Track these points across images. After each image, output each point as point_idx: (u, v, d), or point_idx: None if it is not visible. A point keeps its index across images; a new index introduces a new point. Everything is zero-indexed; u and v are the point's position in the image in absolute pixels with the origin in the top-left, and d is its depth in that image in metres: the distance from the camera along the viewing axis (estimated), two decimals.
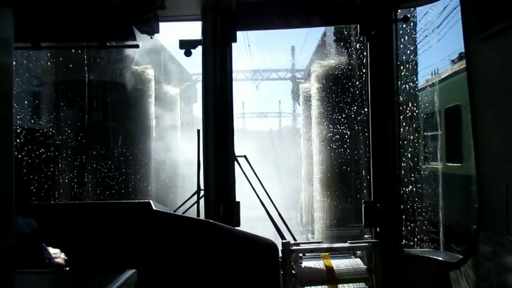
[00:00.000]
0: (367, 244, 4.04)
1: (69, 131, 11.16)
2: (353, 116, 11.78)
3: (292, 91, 30.61)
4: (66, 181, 10.86)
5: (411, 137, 12.02)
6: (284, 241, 3.84)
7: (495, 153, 2.99)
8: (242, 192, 4.29)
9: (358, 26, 4.27)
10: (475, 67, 3.16)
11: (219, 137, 4.21)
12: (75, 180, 11.09)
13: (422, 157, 13.00)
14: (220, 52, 4.23)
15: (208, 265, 3.59)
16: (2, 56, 1.54)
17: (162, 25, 4.19)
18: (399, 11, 4.15)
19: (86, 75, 11.19)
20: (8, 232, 1.52)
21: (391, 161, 4.07)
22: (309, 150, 14.34)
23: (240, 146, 4.42)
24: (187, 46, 4.27)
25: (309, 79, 14.79)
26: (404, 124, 11.66)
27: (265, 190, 4.30)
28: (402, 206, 4.26)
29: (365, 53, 4.31)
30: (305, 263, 3.89)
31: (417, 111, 12.36)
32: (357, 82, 11.37)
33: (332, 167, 12.14)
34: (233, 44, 4.33)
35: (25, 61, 10.25)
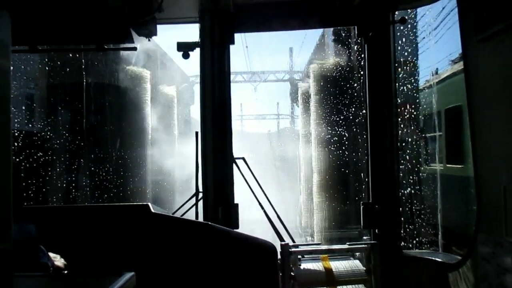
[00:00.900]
0: (366, 245, 4.04)
1: (60, 133, 10.89)
2: (353, 117, 11.63)
3: (290, 92, 30.60)
4: (56, 183, 10.63)
5: (410, 139, 11.91)
6: (283, 243, 3.84)
7: (493, 154, 2.99)
8: (239, 194, 4.29)
9: (356, 27, 4.28)
10: (472, 69, 3.17)
11: (217, 139, 4.21)
12: (66, 183, 10.88)
13: (422, 159, 12.89)
14: (218, 54, 4.23)
15: (207, 267, 3.58)
16: (0, 59, 1.54)
17: (160, 28, 4.19)
18: (396, 12, 4.17)
19: (78, 76, 10.96)
20: (6, 236, 1.51)
21: (389, 162, 4.07)
22: (308, 152, 14.15)
23: (238, 148, 4.42)
24: (185, 48, 4.26)
25: (308, 79, 14.46)
26: (403, 125, 11.57)
27: (263, 192, 4.30)
28: (401, 209, 4.26)
29: (363, 55, 4.31)
30: (304, 265, 3.88)
31: (415, 112, 12.24)
32: (357, 82, 11.25)
33: (332, 169, 12.02)
34: (231, 46, 4.33)
35: (17, 62, 10.06)
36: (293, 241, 4.11)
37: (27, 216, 2.75)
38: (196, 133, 4.26)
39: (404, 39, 11.71)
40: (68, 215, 3.83)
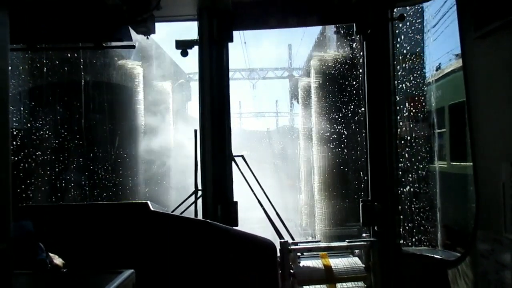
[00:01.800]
0: (365, 243, 4.05)
1: (45, 130, 10.07)
2: (356, 112, 11.16)
3: (289, 88, 30.41)
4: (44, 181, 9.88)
5: (411, 136, 11.52)
6: (282, 240, 3.84)
7: (492, 151, 3.00)
8: (238, 194, 4.30)
9: (355, 25, 4.28)
10: (471, 65, 3.17)
11: (216, 137, 4.21)
12: (55, 181, 10.11)
13: (425, 156, 12.45)
14: (216, 52, 4.23)
15: (206, 265, 3.59)
16: None
17: (158, 25, 4.18)
18: (395, 10, 4.16)
19: (63, 69, 10.15)
20: (5, 235, 1.52)
21: (388, 160, 4.07)
22: (309, 149, 13.79)
23: (237, 146, 4.42)
24: (183, 46, 4.26)
25: (308, 74, 13.86)
26: (406, 122, 11.21)
27: (262, 189, 4.31)
28: (406, 207, 4.27)
29: (362, 52, 4.31)
30: (303, 262, 3.89)
31: (417, 109, 11.83)
32: (360, 76, 10.59)
33: (334, 166, 11.65)
34: (229, 44, 4.33)
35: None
36: (293, 239, 4.12)
37: (27, 214, 2.75)
38: (195, 131, 4.27)
39: (402, 37, 11.40)
40: (67, 213, 3.83)
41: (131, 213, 3.76)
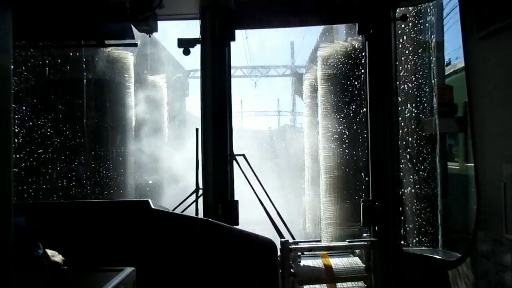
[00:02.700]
0: (365, 242, 4.05)
1: (25, 125, 8.89)
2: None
3: (292, 85, 30.07)
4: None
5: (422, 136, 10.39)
6: (283, 240, 3.85)
7: (493, 151, 3.00)
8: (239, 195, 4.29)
9: (357, 25, 4.28)
10: (473, 66, 3.17)
11: (217, 136, 4.22)
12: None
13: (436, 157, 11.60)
14: (218, 51, 4.23)
15: (207, 264, 3.59)
16: (1, 55, 1.54)
17: (160, 23, 4.19)
18: (397, 10, 4.16)
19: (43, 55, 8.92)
20: (7, 233, 1.52)
21: (389, 160, 4.08)
22: (315, 148, 12.74)
23: (238, 145, 4.43)
24: (185, 45, 4.27)
25: (314, 66, 12.28)
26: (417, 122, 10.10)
27: (263, 189, 4.31)
28: (401, 207, 4.26)
29: (364, 53, 4.31)
30: (304, 262, 3.89)
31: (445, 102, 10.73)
32: (362, 76, 8.93)
33: (345, 166, 10.33)
34: (231, 43, 4.33)
35: None
36: (293, 238, 4.12)
37: (22, 211, 2.74)
38: (197, 129, 4.27)
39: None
40: (68, 211, 3.84)
41: (132, 211, 3.77)
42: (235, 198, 4.26)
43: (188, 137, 4.25)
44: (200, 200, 4.24)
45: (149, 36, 4.18)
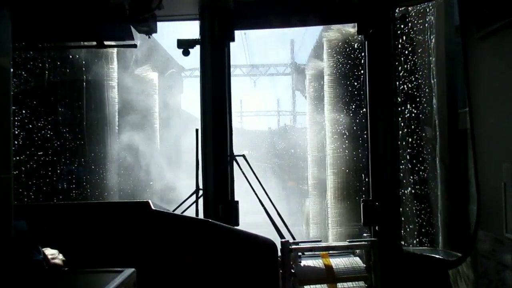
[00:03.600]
0: (366, 242, 4.05)
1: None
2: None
3: (292, 81, 29.76)
4: None
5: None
6: (283, 240, 3.84)
7: (493, 151, 3.00)
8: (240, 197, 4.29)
9: (356, 25, 4.28)
10: (472, 66, 3.17)
11: (217, 137, 4.22)
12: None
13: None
14: (218, 52, 4.23)
15: (207, 264, 3.59)
16: (1, 56, 1.54)
17: (160, 24, 4.19)
18: (396, 10, 4.17)
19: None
20: (7, 233, 1.52)
21: (389, 160, 4.08)
22: (320, 147, 12.05)
23: (238, 146, 4.43)
24: (185, 45, 4.27)
25: (317, 59, 11.52)
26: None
27: (263, 189, 4.31)
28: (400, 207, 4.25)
29: (363, 53, 4.31)
30: (304, 262, 3.89)
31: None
32: (362, 76, 8.19)
33: (351, 167, 9.44)
34: (231, 43, 4.34)
35: None
36: (294, 238, 4.12)
37: (23, 213, 2.74)
38: (196, 130, 4.28)
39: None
40: (68, 212, 3.84)
41: (132, 212, 3.77)
42: (235, 199, 4.27)
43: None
44: (200, 201, 4.24)
45: (149, 37, 4.18)
